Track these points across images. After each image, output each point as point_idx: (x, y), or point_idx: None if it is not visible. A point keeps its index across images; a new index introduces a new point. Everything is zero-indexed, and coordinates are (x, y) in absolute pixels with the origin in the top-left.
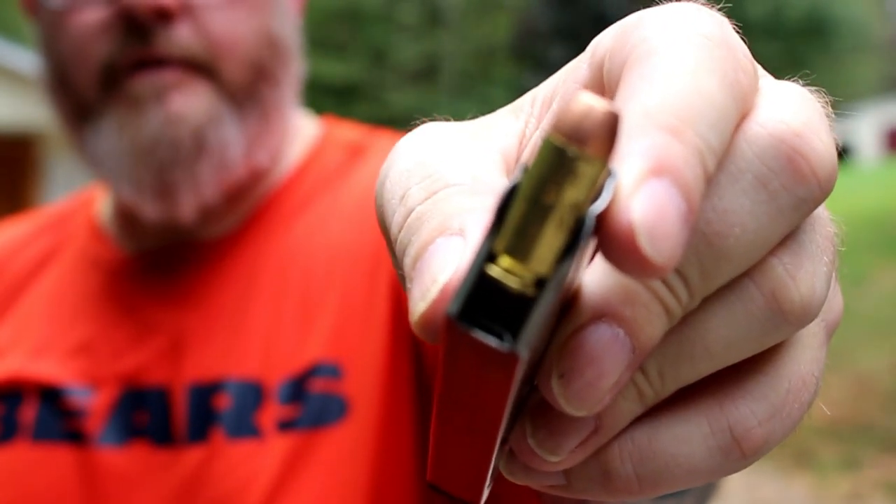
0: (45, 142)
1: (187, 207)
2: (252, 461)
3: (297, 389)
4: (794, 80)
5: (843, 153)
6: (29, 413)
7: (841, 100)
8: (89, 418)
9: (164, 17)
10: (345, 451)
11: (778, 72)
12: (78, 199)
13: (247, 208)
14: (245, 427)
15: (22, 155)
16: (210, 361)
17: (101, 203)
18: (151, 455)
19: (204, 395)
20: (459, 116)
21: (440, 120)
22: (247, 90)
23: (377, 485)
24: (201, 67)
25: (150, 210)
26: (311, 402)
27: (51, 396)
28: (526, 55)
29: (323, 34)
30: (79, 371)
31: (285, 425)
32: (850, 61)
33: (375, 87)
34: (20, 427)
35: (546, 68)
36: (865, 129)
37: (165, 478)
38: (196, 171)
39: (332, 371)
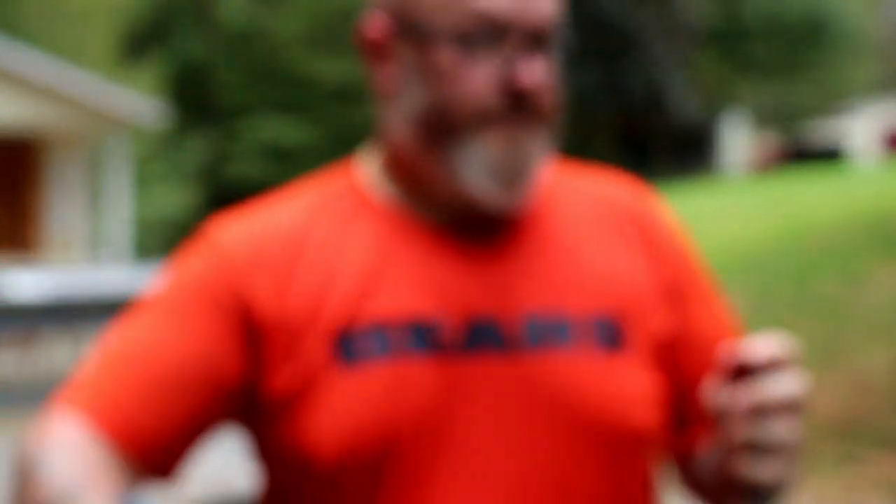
0: (46, 143)
1: (518, 200)
2: (569, 365)
3: (604, 322)
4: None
5: (840, 154)
6: (403, 336)
7: (839, 100)
8: (448, 335)
9: (539, 91)
10: (636, 364)
11: (776, 72)
12: (326, 188)
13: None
14: (564, 339)
15: (22, 156)
16: (534, 294)
17: (373, 194)
18: (497, 362)
19: (537, 320)
20: None
21: None
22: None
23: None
24: (544, 119)
25: (491, 200)
26: (604, 331)
27: (420, 324)
28: None
29: (323, 34)
30: (440, 305)
31: (603, 343)
32: (848, 62)
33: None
34: (406, 344)
35: None
36: (864, 129)
37: (508, 379)
38: (528, 177)
39: (617, 321)
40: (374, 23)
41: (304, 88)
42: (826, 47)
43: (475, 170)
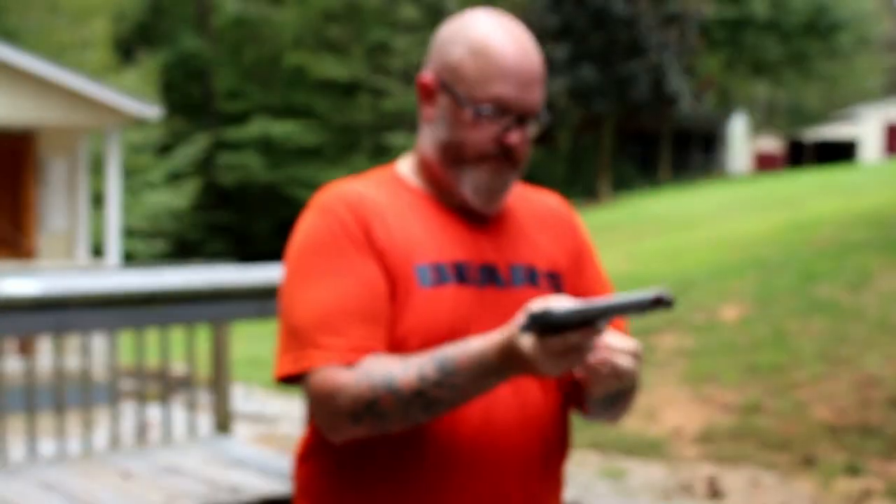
0: (39, 141)
1: (495, 206)
2: (536, 297)
3: (550, 274)
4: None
5: (846, 154)
6: (451, 272)
7: (845, 100)
8: (472, 274)
9: (519, 149)
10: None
11: (781, 69)
12: (380, 176)
13: None
14: (532, 282)
15: (14, 153)
16: (513, 254)
17: (410, 182)
18: (495, 293)
19: (515, 268)
20: None
21: None
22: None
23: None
24: (518, 164)
25: (478, 205)
26: (552, 280)
27: (459, 265)
28: None
29: (323, 33)
30: (463, 254)
31: (551, 287)
32: (854, 59)
33: (375, 86)
34: (449, 277)
35: (548, 67)
36: (870, 128)
37: (501, 303)
38: (503, 195)
39: (559, 273)
40: (429, 76)
41: (301, 87)
42: (832, 45)
43: (472, 187)
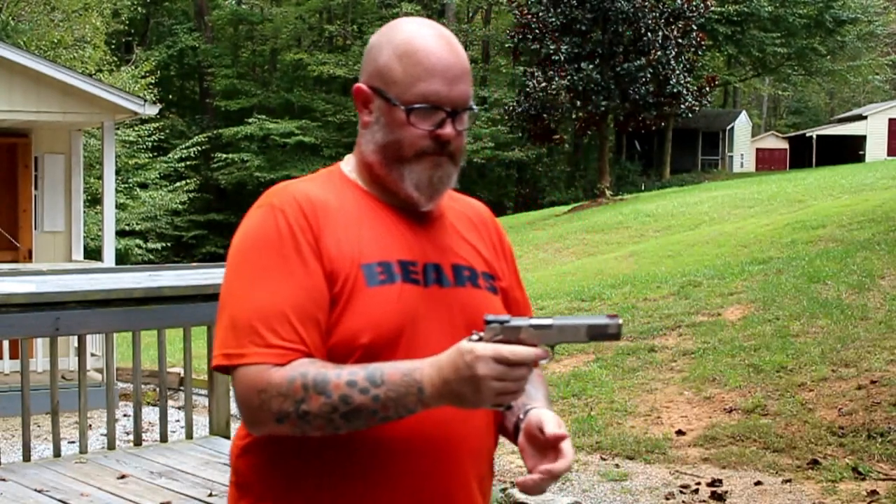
0: (34, 139)
1: (435, 203)
2: (478, 297)
3: (487, 274)
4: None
5: (853, 152)
6: (398, 270)
7: (851, 96)
8: (417, 273)
9: (453, 141)
10: (501, 305)
11: (786, 65)
12: (329, 177)
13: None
14: (474, 282)
15: (14, 149)
16: (454, 255)
17: (356, 181)
18: (440, 291)
19: (458, 268)
20: None
21: None
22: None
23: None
24: (455, 158)
25: (422, 202)
26: (489, 281)
27: (404, 264)
28: (528, 52)
29: (322, 32)
30: (408, 254)
31: (488, 287)
32: (860, 56)
33: None
34: (396, 276)
35: (549, 64)
36: (876, 126)
37: (446, 302)
38: (442, 191)
39: (493, 274)
40: (362, 84)
41: (300, 85)
42: (839, 43)
43: (413, 184)
